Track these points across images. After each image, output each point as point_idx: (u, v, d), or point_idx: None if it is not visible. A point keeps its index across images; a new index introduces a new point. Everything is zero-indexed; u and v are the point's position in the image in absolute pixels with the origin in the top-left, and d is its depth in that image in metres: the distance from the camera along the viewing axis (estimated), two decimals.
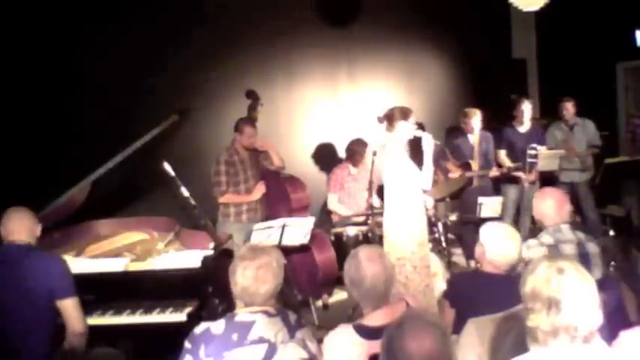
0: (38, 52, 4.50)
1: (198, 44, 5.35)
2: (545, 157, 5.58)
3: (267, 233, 3.94)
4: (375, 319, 2.17)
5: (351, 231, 4.95)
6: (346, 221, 5.19)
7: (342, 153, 5.66)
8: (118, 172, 3.54)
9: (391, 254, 3.62)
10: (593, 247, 3.01)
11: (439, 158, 5.24)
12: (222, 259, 3.21)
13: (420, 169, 3.98)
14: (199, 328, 2.10)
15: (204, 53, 5.39)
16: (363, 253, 2.25)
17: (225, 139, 4.84)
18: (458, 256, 5.68)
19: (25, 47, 4.45)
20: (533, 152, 5.56)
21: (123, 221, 3.92)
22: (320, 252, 4.77)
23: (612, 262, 4.88)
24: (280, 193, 4.91)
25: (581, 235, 3.06)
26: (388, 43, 6.61)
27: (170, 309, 3.14)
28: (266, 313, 2.11)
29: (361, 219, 5.11)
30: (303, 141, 6.15)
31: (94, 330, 2.98)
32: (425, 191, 4.14)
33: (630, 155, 6.00)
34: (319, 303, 5.03)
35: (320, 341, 2.19)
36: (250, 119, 4.76)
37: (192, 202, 3.66)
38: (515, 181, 5.75)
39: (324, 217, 5.55)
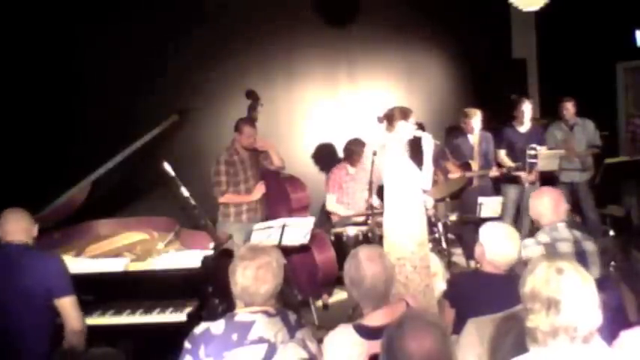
0: (38, 52, 4.50)
1: (198, 44, 5.34)
2: (545, 157, 5.58)
3: (267, 233, 3.94)
4: (375, 319, 2.17)
5: (351, 231, 4.95)
6: (346, 221, 5.19)
7: (341, 153, 5.66)
8: (118, 172, 3.53)
9: (391, 254, 3.62)
10: (590, 245, 3.01)
11: (439, 158, 5.23)
12: (222, 259, 3.21)
13: (420, 169, 3.98)
14: (199, 328, 2.10)
15: (204, 53, 5.39)
16: (363, 253, 2.25)
17: (225, 139, 4.84)
18: (458, 256, 5.68)
19: (25, 47, 4.45)
20: (532, 152, 5.56)
21: (123, 221, 3.92)
22: (320, 252, 4.77)
23: (612, 262, 4.88)
24: (280, 193, 4.91)
25: (577, 233, 3.07)
26: (388, 43, 6.61)
27: (170, 309, 3.14)
28: (266, 313, 2.11)
29: (361, 219, 5.11)
30: (303, 141, 6.15)
31: (94, 330, 2.98)
32: (425, 191, 4.14)
33: (630, 155, 6.00)
34: (319, 303, 5.03)
35: (320, 341, 2.19)
36: (250, 119, 4.76)
37: (192, 202, 3.66)
38: (515, 181, 5.75)
39: (324, 217, 5.55)
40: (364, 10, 6.35)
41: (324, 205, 5.51)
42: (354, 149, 5.37)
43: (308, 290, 4.81)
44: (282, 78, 5.99)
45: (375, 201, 4.87)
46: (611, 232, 6.03)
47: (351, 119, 6.24)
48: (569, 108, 5.96)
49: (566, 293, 1.56)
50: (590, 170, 5.95)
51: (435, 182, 4.57)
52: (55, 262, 2.88)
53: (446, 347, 1.63)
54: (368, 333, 2.11)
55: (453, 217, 5.31)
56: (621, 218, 6.12)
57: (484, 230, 2.82)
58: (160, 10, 5.08)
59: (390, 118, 4.03)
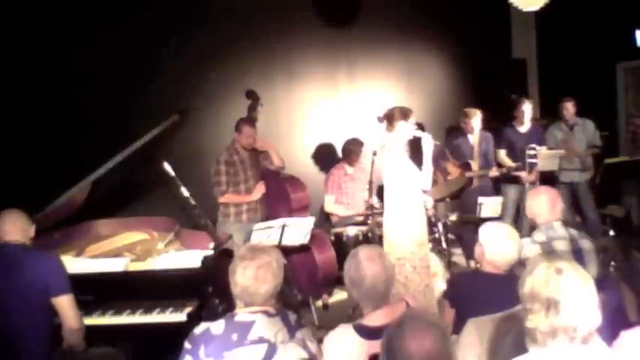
0: (38, 52, 4.50)
1: (198, 44, 5.34)
2: (545, 157, 5.59)
3: (267, 233, 3.94)
4: (375, 319, 2.17)
5: (351, 231, 4.95)
6: (346, 221, 5.19)
7: (341, 153, 5.67)
8: (118, 172, 3.53)
9: (391, 254, 3.62)
10: (586, 244, 3.02)
11: (438, 159, 5.24)
12: (222, 259, 3.21)
13: (420, 169, 3.98)
14: (199, 329, 2.10)
15: (204, 53, 5.39)
16: (363, 253, 2.25)
17: (225, 139, 4.84)
18: (458, 256, 5.68)
19: (25, 47, 4.45)
20: (532, 152, 5.56)
21: (123, 221, 3.92)
22: (320, 252, 4.77)
23: (612, 262, 4.88)
24: (280, 193, 4.91)
25: (574, 231, 3.08)
26: (388, 43, 6.61)
27: (170, 309, 3.14)
28: (266, 313, 2.11)
29: (361, 219, 5.11)
30: (303, 141, 6.15)
31: (94, 330, 2.99)
32: (425, 191, 4.14)
33: (630, 155, 6.00)
34: (319, 303, 5.03)
35: (320, 341, 2.19)
36: (250, 119, 4.76)
37: (192, 202, 3.66)
38: (515, 181, 5.75)
39: (324, 217, 5.56)
40: (364, 10, 6.36)
41: (323, 206, 5.51)
42: (353, 149, 5.38)
43: (308, 290, 4.81)
44: (282, 78, 5.99)
45: (375, 201, 4.87)
46: (611, 232, 6.02)
47: (350, 119, 6.24)
48: (569, 108, 5.97)
49: (566, 293, 1.56)
50: (590, 170, 5.95)
51: (434, 182, 4.57)
52: (53, 262, 2.89)
53: (446, 347, 1.63)
54: (368, 333, 2.11)
55: (453, 217, 5.31)
56: (621, 218, 6.12)
57: (484, 230, 2.82)
58: (159, 10, 5.08)
59: (390, 118, 4.03)
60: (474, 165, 5.62)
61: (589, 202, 6.01)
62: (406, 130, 4.00)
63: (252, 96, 4.91)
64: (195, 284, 3.20)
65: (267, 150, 4.82)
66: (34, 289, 2.76)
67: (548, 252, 2.93)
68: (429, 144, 4.00)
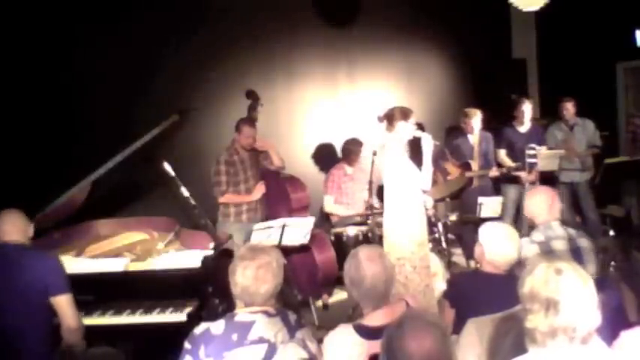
0: (38, 52, 4.50)
1: (198, 44, 5.34)
2: (545, 157, 5.59)
3: (267, 233, 3.94)
4: (375, 319, 2.17)
5: (351, 231, 4.95)
6: (346, 221, 5.19)
7: (341, 153, 5.67)
8: (118, 172, 3.54)
9: (391, 254, 3.62)
10: (585, 242, 3.02)
11: (438, 159, 5.24)
12: (222, 259, 3.21)
13: (420, 169, 3.98)
14: (199, 329, 2.10)
15: (204, 53, 5.39)
16: (363, 253, 2.25)
17: (225, 139, 4.84)
18: (458, 256, 5.68)
19: (25, 47, 4.45)
20: (531, 152, 5.56)
21: (123, 221, 3.92)
22: (320, 252, 4.77)
23: (612, 262, 4.88)
24: (280, 193, 4.91)
25: (572, 231, 3.08)
26: (388, 43, 6.61)
27: (170, 309, 3.14)
28: (266, 313, 2.12)
29: (361, 219, 5.11)
30: (303, 141, 6.15)
31: (94, 330, 2.99)
32: (425, 191, 4.14)
33: (630, 155, 6.00)
34: (319, 303, 5.03)
35: (320, 341, 2.19)
36: (250, 119, 4.76)
37: (192, 202, 3.66)
38: (515, 181, 5.75)
39: (324, 217, 5.56)
40: (364, 10, 6.36)
41: (323, 206, 5.50)
42: (352, 149, 5.38)
43: (308, 290, 4.81)
44: (282, 78, 5.99)
45: (375, 201, 4.87)
46: (611, 232, 6.02)
47: (350, 119, 6.24)
48: (569, 108, 5.97)
49: (565, 294, 1.55)
50: (590, 170, 5.95)
51: (434, 182, 4.57)
52: (52, 261, 2.89)
53: (446, 347, 1.63)
54: (368, 333, 2.11)
55: (453, 217, 5.31)
56: (621, 218, 6.12)
57: (483, 230, 2.82)
58: (159, 10, 5.08)
59: (390, 117, 4.03)
60: (474, 165, 5.62)
61: (589, 202, 6.01)
62: (406, 130, 4.00)
63: (252, 96, 4.91)
64: (195, 284, 3.20)
65: (267, 150, 4.82)
66: (33, 289, 2.76)
67: (547, 252, 2.94)
68: (428, 144, 4.00)
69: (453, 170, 5.47)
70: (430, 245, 4.43)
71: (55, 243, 3.54)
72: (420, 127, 4.67)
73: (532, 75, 7.87)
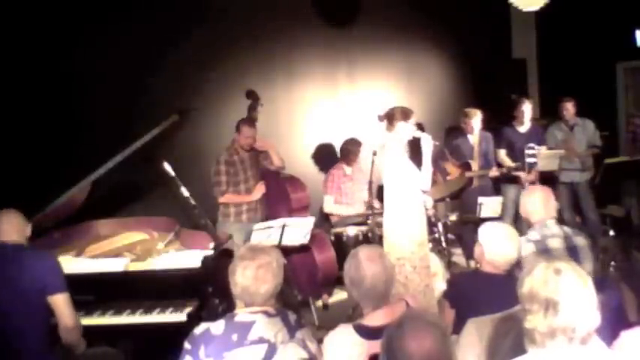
0: (38, 52, 4.49)
1: (198, 44, 5.34)
2: (545, 157, 5.59)
3: (267, 233, 3.94)
4: (375, 319, 2.17)
5: (351, 231, 4.95)
6: (346, 221, 5.19)
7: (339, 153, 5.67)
8: (118, 172, 3.53)
9: (391, 254, 3.62)
10: (581, 240, 3.02)
11: (438, 159, 5.24)
12: (222, 259, 3.21)
13: (420, 169, 3.98)
14: (199, 329, 2.10)
15: (204, 53, 5.38)
16: (363, 253, 2.25)
17: (225, 139, 4.84)
18: (458, 256, 5.68)
19: (25, 47, 4.45)
20: (531, 152, 5.57)
21: (123, 221, 3.92)
22: (320, 252, 4.77)
23: (612, 262, 4.88)
24: (280, 193, 4.91)
25: (568, 229, 3.09)
26: (388, 43, 6.61)
27: (170, 309, 3.14)
28: (266, 313, 2.12)
29: (361, 219, 5.11)
30: (303, 141, 6.15)
31: (94, 330, 2.99)
32: (425, 191, 4.14)
33: (630, 155, 6.00)
34: (319, 303, 5.03)
35: (320, 341, 2.19)
36: (250, 119, 4.76)
37: (192, 202, 3.66)
38: (515, 181, 5.75)
39: (324, 217, 5.55)
40: (364, 10, 6.35)
41: (323, 206, 5.50)
42: (351, 149, 5.39)
43: (308, 290, 4.81)
44: (282, 78, 5.99)
45: (375, 201, 4.87)
46: (611, 232, 6.02)
47: (350, 119, 6.24)
48: (569, 108, 5.97)
49: (565, 294, 1.55)
50: (590, 170, 5.95)
51: (434, 182, 4.57)
52: (49, 260, 2.88)
53: (446, 347, 1.63)
54: (368, 333, 2.11)
55: (453, 217, 5.31)
56: (621, 218, 6.12)
57: (483, 230, 2.82)
58: (160, 10, 5.07)
59: (390, 117, 4.04)
60: (474, 165, 5.62)
61: (589, 202, 6.00)
62: (406, 130, 4.00)
63: (252, 96, 4.91)
64: (195, 284, 3.20)
65: (267, 150, 4.82)
66: (32, 289, 2.76)
67: (543, 250, 2.94)
68: (428, 144, 4.00)
69: (452, 170, 5.48)
70: (430, 245, 4.43)
71: (55, 243, 3.54)
72: (420, 127, 4.67)
73: (532, 75, 7.87)
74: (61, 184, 3.51)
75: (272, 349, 2.03)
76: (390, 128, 4.03)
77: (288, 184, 4.96)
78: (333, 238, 4.97)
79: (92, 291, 3.14)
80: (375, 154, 4.14)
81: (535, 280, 1.59)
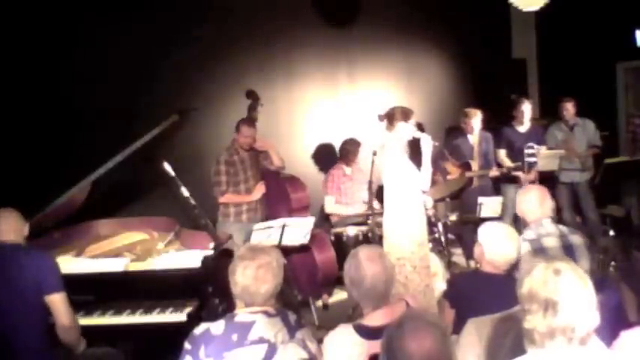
0: (38, 51, 4.49)
1: (199, 44, 5.34)
2: (545, 157, 5.59)
3: (267, 233, 3.94)
4: (375, 319, 2.17)
5: (351, 231, 4.96)
6: (346, 221, 5.19)
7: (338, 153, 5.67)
8: (118, 172, 3.53)
9: (391, 254, 3.62)
10: (577, 239, 3.02)
11: (437, 159, 5.24)
12: (222, 259, 3.20)
13: (419, 169, 3.98)
14: (199, 329, 2.10)
15: (204, 53, 5.39)
16: (363, 253, 2.25)
17: (225, 139, 4.84)
18: (458, 256, 5.68)
19: (25, 46, 4.45)
20: (530, 152, 5.57)
21: (123, 221, 3.92)
22: (320, 252, 4.78)
23: (612, 262, 4.88)
24: (280, 193, 4.91)
25: (563, 228, 3.09)
26: (388, 43, 6.61)
27: (170, 309, 3.13)
28: (266, 313, 2.12)
29: (361, 219, 5.11)
30: (303, 141, 6.15)
31: (94, 330, 2.99)
32: (425, 191, 4.14)
33: (630, 155, 6.01)
34: (319, 303, 5.03)
35: (320, 341, 2.19)
36: (249, 119, 4.76)
37: (192, 202, 3.66)
38: (515, 181, 5.75)
39: (324, 217, 5.56)
40: (364, 10, 6.36)
41: (323, 207, 5.50)
42: (350, 149, 5.39)
43: (308, 290, 4.82)
44: (282, 78, 5.99)
45: (375, 201, 4.87)
46: (611, 232, 6.02)
47: (350, 119, 6.24)
48: (569, 108, 5.97)
49: (564, 294, 1.55)
50: (590, 170, 5.96)
51: (434, 182, 4.57)
52: (46, 260, 2.89)
53: (446, 347, 1.63)
54: (368, 333, 2.11)
55: (453, 217, 5.31)
56: (621, 218, 6.12)
57: (483, 230, 2.82)
58: (160, 10, 5.08)
59: (390, 117, 4.04)
60: (474, 165, 5.62)
61: (589, 202, 6.01)
62: (406, 130, 4.00)
63: (252, 96, 4.91)
64: (195, 284, 3.20)
65: (267, 150, 4.82)
66: (30, 288, 2.76)
67: (538, 249, 2.94)
68: (428, 145, 4.00)
69: (452, 170, 5.48)
70: (430, 245, 4.43)
71: (55, 243, 3.54)
72: (420, 127, 4.68)
73: (532, 75, 7.87)
74: (61, 184, 3.50)
75: (272, 349, 2.03)
76: (390, 128, 4.04)
77: (288, 184, 4.96)
78: (333, 238, 4.97)
79: (92, 291, 3.14)
80: (375, 154, 4.14)
81: (534, 281, 1.59)
